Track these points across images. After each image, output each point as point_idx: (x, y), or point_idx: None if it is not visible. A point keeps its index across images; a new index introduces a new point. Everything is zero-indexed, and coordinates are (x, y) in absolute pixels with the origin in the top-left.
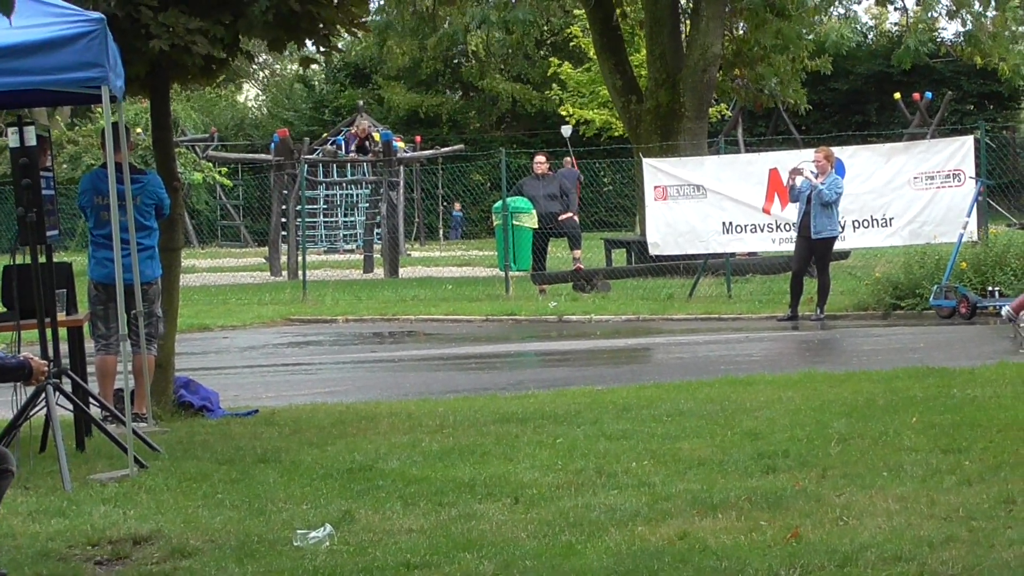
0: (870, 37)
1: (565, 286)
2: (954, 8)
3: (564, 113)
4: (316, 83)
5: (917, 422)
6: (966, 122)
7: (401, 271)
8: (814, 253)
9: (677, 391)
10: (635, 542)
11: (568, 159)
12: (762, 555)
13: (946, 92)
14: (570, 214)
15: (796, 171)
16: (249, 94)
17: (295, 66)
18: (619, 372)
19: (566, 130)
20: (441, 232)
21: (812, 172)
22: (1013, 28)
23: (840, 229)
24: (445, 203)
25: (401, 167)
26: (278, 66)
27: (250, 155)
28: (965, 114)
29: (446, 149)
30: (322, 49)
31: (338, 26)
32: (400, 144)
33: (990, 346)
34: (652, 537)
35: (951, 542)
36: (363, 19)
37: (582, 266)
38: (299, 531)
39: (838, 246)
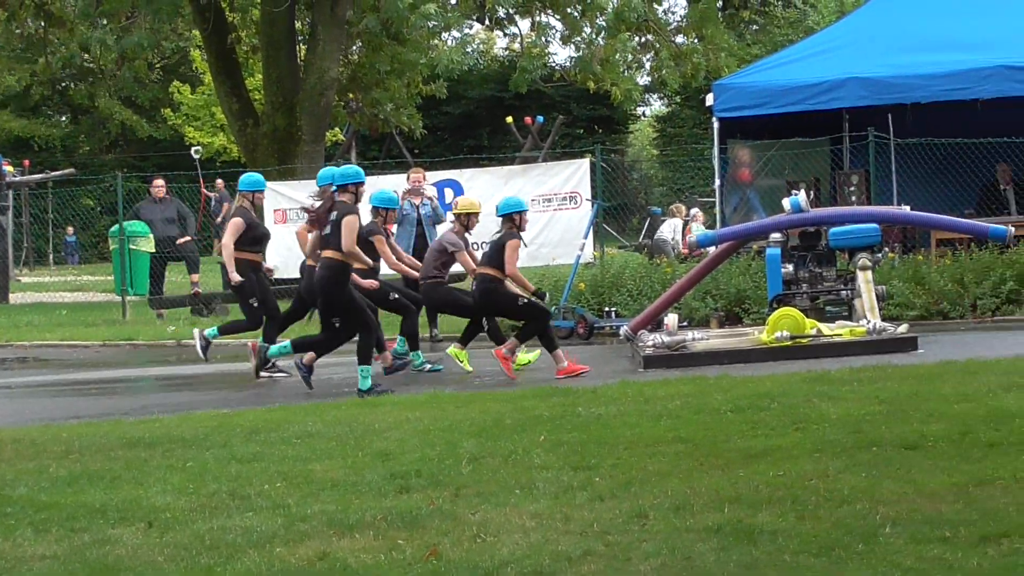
0: (481, 61)
1: (184, 310)
2: (567, 34)
3: (188, 135)
4: None
5: (545, 440)
6: (576, 146)
7: (12, 297)
8: None
9: (305, 413)
10: (274, 563)
11: (219, 181)
12: (403, 573)
13: (557, 116)
14: (188, 238)
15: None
16: None
17: None
18: (244, 396)
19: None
20: (51, 257)
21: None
22: (622, 55)
23: None
24: (56, 228)
25: (10, 191)
26: None
27: None
28: (575, 138)
29: (56, 173)
30: None
31: None
32: (9, 168)
33: (609, 366)
34: (291, 558)
35: (589, 556)
36: None
37: (200, 290)
38: None
39: (454, 269)
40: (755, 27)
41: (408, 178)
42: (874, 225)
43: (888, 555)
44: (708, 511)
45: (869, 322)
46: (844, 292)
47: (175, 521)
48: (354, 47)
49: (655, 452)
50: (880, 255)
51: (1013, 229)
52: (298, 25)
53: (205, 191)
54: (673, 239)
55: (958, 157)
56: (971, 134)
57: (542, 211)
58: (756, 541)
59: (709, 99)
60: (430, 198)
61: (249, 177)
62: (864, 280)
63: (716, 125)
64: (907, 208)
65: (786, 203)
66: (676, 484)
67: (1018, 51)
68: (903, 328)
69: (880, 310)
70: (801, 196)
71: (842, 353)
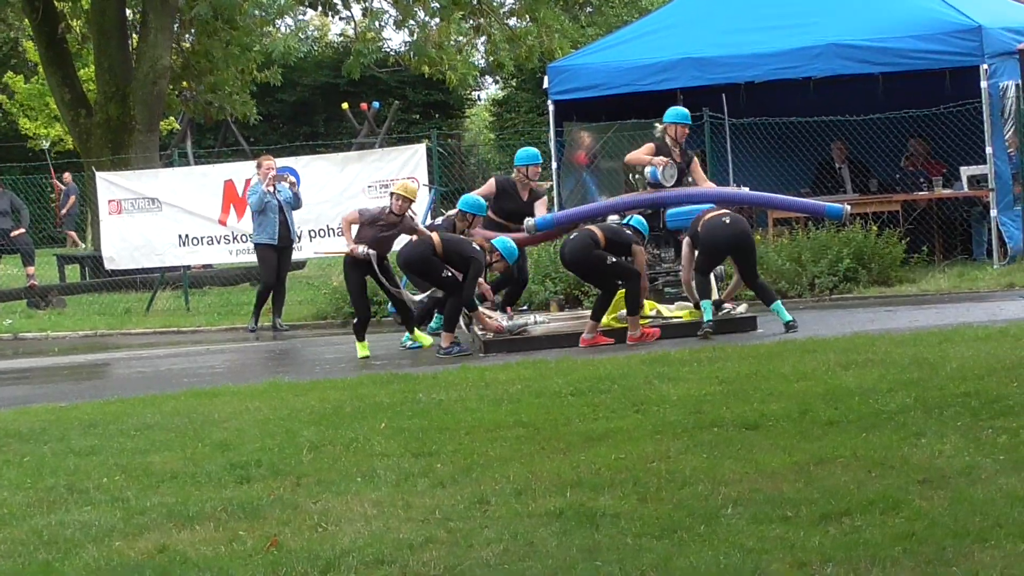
0: (316, 48)
1: (19, 303)
2: (400, 18)
3: (23, 127)
4: None
5: (386, 427)
6: (412, 131)
7: None
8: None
9: (142, 405)
10: (114, 557)
11: (67, 174)
12: (244, 564)
13: (393, 102)
14: (22, 230)
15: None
16: None
17: None
18: (81, 388)
19: (44, 143)
20: None
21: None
22: (457, 39)
23: (297, 239)
24: None
25: None
26: None
27: None
28: (411, 123)
29: None
30: None
31: None
32: None
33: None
34: (131, 551)
35: (431, 543)
36: None
37: (36, 282)
38: None
39: (296, 256)
40: (589, 9)
41: (259, 166)
42: (712, 205)
43: (730, 536)
44: (550, 495)
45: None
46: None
47: (12, 517)
48: (187, 35)
49: (496, 437)
50: None
51: (850, 207)
52: (129, 13)
53: (56, 182)
54: None
55: (793, 136)
56: (805, 113)
57: (379, 197)
58: (598, 525)
59: (545, 82)
60: (291, 183)
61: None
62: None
63: (552, 108)
64: (745, 188)
65: (647, 171)
66: (517, 469)
67: (849, 29)
68: (742, 308)
69: (718, 290)
70: (660, 169)
71: (682, 334)
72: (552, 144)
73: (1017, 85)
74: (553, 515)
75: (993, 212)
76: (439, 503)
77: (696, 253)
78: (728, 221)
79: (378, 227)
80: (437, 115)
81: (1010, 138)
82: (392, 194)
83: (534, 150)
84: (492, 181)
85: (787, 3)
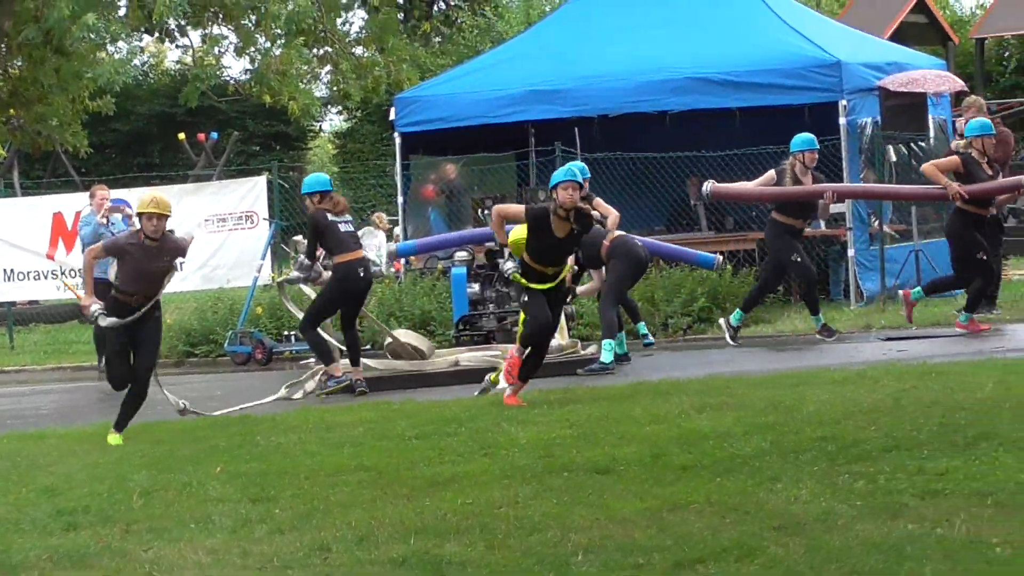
0: (152, 75)
1: None
2: (241, 45)
3: None
4: None
5: (222, 471)
6: (252, 163)
7: None
8: None
9: None
10: None
11: None
12: None
13: (232, 132)
14: None
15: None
16: None
17: None
18: None
19: None
20: None
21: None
22: (299, 66)
23: None
24: None
25: None
26: None
27: None
28: (251, 155)
29: None
30: None
31: None
32: None
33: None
34: None
35: None
36: None
37: None
38: None
39: None
40: (439, 39)
41: (93, 196)
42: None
43: None
44: (393, 542)
45: (557, 343)
46: None
47: None
48: (15, 61)
49: (337, 482)
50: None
51: (721, 258)
52: None
53: None
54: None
55: (647, 171)
56: (661, 147)
57: (216, 231)
58: (444, 573)
59: (392, 113)
60: (127, 215)
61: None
62: None
63: (398, 140)
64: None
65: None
66: (360, 515)
67: (707, 62)
68: (593, 349)
69: (570, 330)
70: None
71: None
72: (399, 177)
73: (875, 122)
74: (396, 563)
75: (851, 252)
76: (278, 550)
77: (612, 280)
78: (639, 241)
79: (134, 260)
80: (278, 147)
81: (865, 175)
82: (139, 215)
83: None
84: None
85: (644, 35)
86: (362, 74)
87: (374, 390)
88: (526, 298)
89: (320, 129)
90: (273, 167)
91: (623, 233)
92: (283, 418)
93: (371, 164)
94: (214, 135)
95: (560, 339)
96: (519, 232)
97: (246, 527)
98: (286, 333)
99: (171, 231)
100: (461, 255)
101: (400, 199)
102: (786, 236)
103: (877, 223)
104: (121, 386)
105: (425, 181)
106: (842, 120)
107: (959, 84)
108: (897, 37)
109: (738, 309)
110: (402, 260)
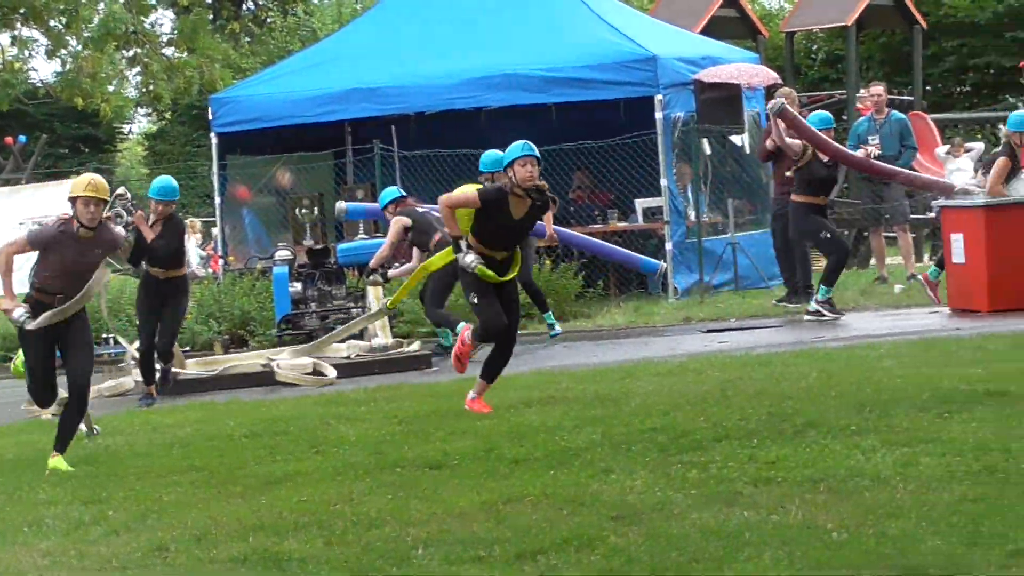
0: None
1: None
2: (52, 48)
3: None
4: None
5: (51, 474)
6: (61, 166)
7: None
8: None
9: None
10: None
11: None
12: None
13: (40, 135)
14: None
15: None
16: None
17: None
18: None
19: None
20: None
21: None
22: (109, 69)
23: None
24: None
25: None
26: None
27: None
28: (60, 157)
29: None
30: None
31: None
32: None
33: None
34: None
35: None
36: None
37: None
38: None
39: None
40: (248, 39)
41: None
42: (383, 241)
43: None
44: (231, 540)
45: (381, 342)
46: (355, 310)
47: None
48: None
49: (169, 482)
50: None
51: (665, 265)
52: None
53: None
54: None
55: (464, 168)
56: (478, 144)
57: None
58: (284, 569)
59: (210, 113)
60: None
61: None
62: (375, 298)
63: (215, 140)
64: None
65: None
66: (195, 514)
67: (523, 59)
68: (415, 346)
69: (392, 328)
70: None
71: (356, 373)
72: (215, 178)
73: (691, 115)
74: (237, 560)
75: (668, 245)
76: (115, 551)
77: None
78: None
79: (63, 252)
80: (87, 149)
81: (680, 169)
82: (72, 199)
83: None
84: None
85: (461, 32)
86: (173, 75)
87: (200, 391)
88: (475, 299)
89: (129, 131)
90: (82, 170)
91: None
92: (109, 420)
93: (181, 165)
94: (22, 138)
95: (384, 338)
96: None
97: (80, 529)
98: (104, 336)
99: (107, 219)
100: (282, 254)
101: (217, 199)
102: (811, 215)
103: (694, 216)
104: (49, 401)
105: (242, 181)
106: (658, 114)
107: (772, 77)
108: (708, 31)
109: (822, 285)
110: (220, 260)
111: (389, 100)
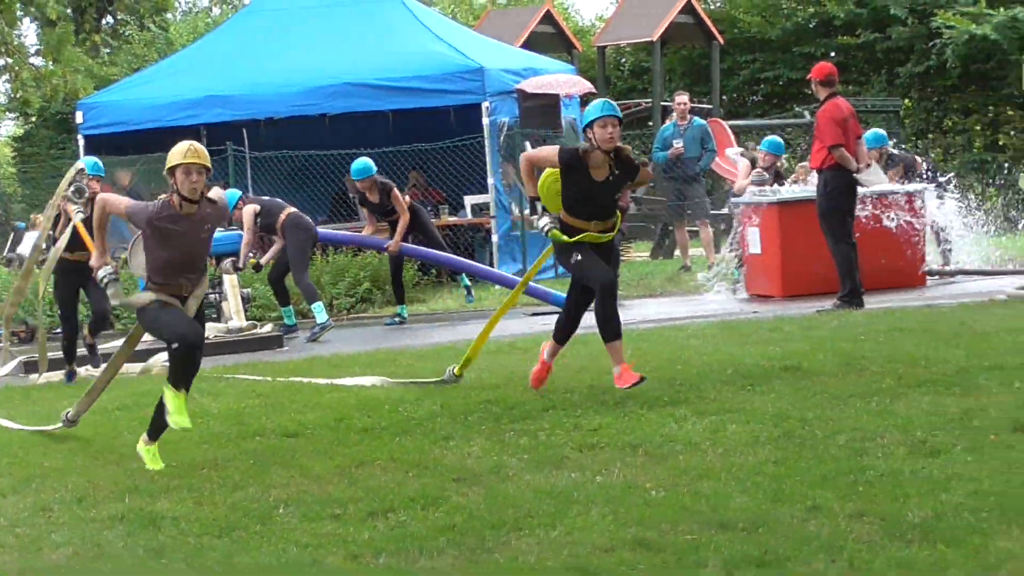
0: None
1: None
2: None
3: None
4: None
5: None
6: None
7: None
8: None
9: None
10: None
11: None
12: None
13: None
14: None
15: None
16: None
17: None
18: None
19: None
20: None
21: None
22: None
23: None
24: None
25: None
26: None
27: None
28: None
29: None
30: None
31: None
32: None
33: None
34: None
35: (0, 548)
36: None
37: None
38: None
39: None
40: (108, 50)
41: None
42: (239, 233)
43: (285, 533)
44: (110, 501)
45: (237, 324)
46: (212, 295)
47: None
48: None
49: (49, 451)
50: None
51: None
52: None
53: None
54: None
55: (311, 168)
56: (322, 146)
57: None
58: (159, 527)
59: (79, 117)
60: None
61: None
62: (230, 284)
63: (82, 142)
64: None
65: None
66: (76, 479)
67: (363, 69)
68: (268, 328)
69: (245, 312)
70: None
71: (216, 352)
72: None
73: (514, 121)
74: (116, 519)
75: (494, 237)
76: (2, 511)
77: (293, 251)
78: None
79: (171, 235)
80: None
81: (505, 169)
82: (175, 169)
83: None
84: None
85: (306, 45)
86: (41, 83)
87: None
88: (578, 257)
89: None
90: None
91: (296, 211)
92: None
93: (48, 165)
94: None
95: (239, 320)
96: (549, 179)
97: None
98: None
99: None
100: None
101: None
102: None
103: (518, 211)
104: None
105: (105, 180)
106: (485, 120)
107: (587, 86)
108: (528, 45)
109: None
110: None
111: (241, 106)
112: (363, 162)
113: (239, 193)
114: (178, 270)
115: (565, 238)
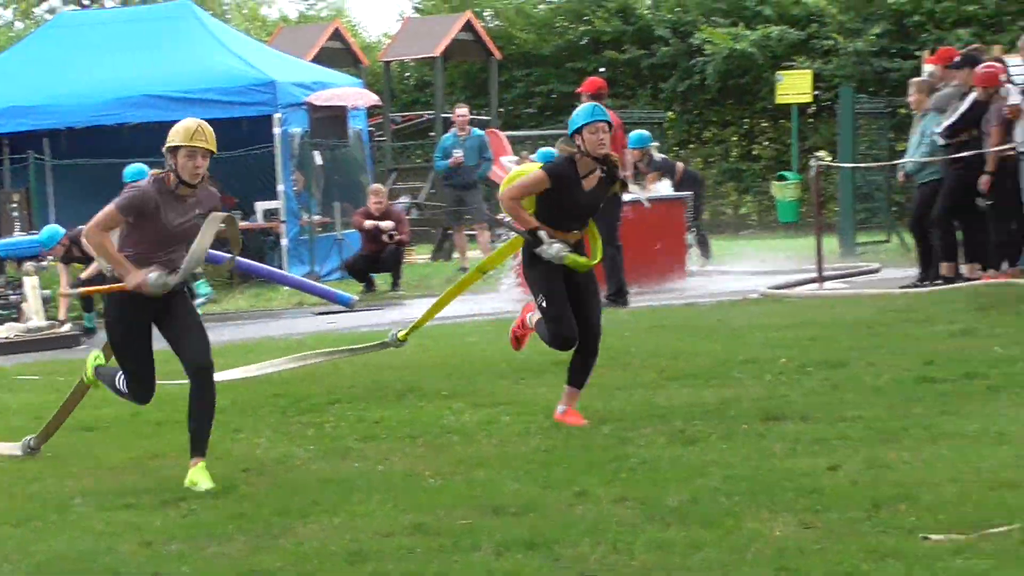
0: None
1: None
2: None
3: None
4: None
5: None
6: None
7: None
8: None
9: None
10: None
11: None
12: None
13: None
14: None
15: None
16: None
17: None
18: None
19: None
20: None
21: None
22: None
23: None
24: None
25: None
26: None
27: None
28: None
29: None
30: None
31: None
32: None
33: None
34: None
35: None
36: None
37: None
38: None
39: None
40: None
41: None
42: (40, 237)
43: (81, 522)
44: None
45: (36, 324)
46: (13, 296)
47: None
48: None
49: None
50: (45, 263)
51: (357, 298)
52: None
53: None
54: None
55: (109, 175)
56: (122, 155)
57: None
58: None
59: None
60: None
61: None
62: (31, 286)
63: None
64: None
65: None
66: None
67: (161, 81)
68: (66, 327)
69: (45, 312)
70: None
71: (15, 351)
72: None
73: (304, 131)
74: None
75: (284, 241)
76: None
77: None
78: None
79: (159, 216)
80: None
81: (296, 177)
82: (177, 149)
83: None
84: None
85: (107, 58)
86: None
87: None
88: (544, 304)
89: None
90: None
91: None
92: None
93: None
94: None
95: (39, 320)
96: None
97: None
98: None
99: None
100: None
101: None
102: None
103: (306, 216)
104: (148, 396)
105: None
106: (276, 131)
107: (373, 99)
108: (318, 60)
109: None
110: None
111: (43, 116)
112: (136, 167)
113: (62, 231)
114: (155, 254)
115: (583, 260)
